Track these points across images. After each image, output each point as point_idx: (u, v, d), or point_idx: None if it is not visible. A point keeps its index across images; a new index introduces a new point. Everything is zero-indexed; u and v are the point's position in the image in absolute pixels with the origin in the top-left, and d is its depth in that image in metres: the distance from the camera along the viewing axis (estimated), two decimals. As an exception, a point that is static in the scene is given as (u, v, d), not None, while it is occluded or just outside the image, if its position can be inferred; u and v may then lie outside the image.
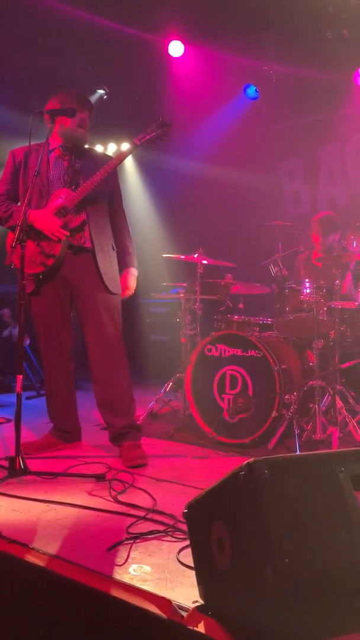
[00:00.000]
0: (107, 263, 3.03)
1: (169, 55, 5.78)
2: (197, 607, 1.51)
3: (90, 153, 3.22)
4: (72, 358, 3.20)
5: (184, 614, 1.49)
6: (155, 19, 5.44)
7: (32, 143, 2.90)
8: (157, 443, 3.38)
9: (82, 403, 3.36)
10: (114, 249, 3.11)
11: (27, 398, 4.82)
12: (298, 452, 2.94)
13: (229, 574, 1.38)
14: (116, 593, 1.59)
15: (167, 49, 5.76)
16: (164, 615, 1.48)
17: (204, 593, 1.52)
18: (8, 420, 3.85)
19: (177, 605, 1.54)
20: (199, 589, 1.54)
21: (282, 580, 1.21)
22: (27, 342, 4.97)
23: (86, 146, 3.19)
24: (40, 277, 2.97)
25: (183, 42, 5.72)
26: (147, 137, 2.87)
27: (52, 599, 1.66)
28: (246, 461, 1.33)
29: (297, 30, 5.19)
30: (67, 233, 2.92)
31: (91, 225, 2.99)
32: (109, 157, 3.22)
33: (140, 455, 2.91)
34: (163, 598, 1.55)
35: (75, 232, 2.96)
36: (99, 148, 6.87)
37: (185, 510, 1.60)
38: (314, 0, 4.92)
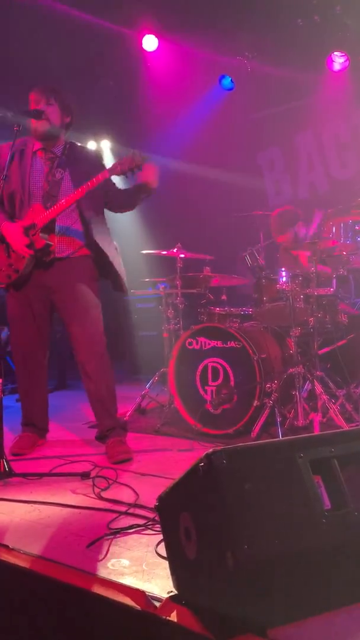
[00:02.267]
0: (115, 263, 3.10)
1: (143, 49, 5.78)
2: (171, 597, 1.55)
3: (78, 155, 3.12)
4: (44, 360, 3.24)
5: (158, 604, 1.53)
6: (129, 12, 5.43)
7: (18, 139, 2.88)
8: (143, 438, 3.41)
9: (71, 402, 3.39)
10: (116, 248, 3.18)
11: (18, 400, 4.83)
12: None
13: (196, 563, 1.42)
14: (93, 588, 1.62)
15: (142, 43, 5.75)
16: (138, 607, 1.52)
17: (176, 583, 1.56)
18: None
19: (151, 596, 1.57)
20: (172, 579, 1.58)
21: (241, 566, 1.24)
22: (15, 344, 4.98)
23: (79, 144, 3.15)
24: (5, 287, 3.04)
25: (157, 36, 5.71)
26: (119, 168, 2.81)
27: (30, 597, 1.69)
28: (205, 452, 1.36)
29: (269, 19, 5.18)
30: (32, 252, 2.94)
31: (94, 233, 3.03)
32: (97, 160, 3.18)
33: (125, 450, 2.94)
34: (137, 590, 1.58)
35: (40, 252, 2.96)
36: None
37: (157, 503, 1.64)
38: (284, -13, 4.93)
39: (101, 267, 3.10)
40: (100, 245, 3.04)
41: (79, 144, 3.21)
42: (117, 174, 2.84)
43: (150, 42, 5.77)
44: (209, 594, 1.37)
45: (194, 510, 1.42)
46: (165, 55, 5.86)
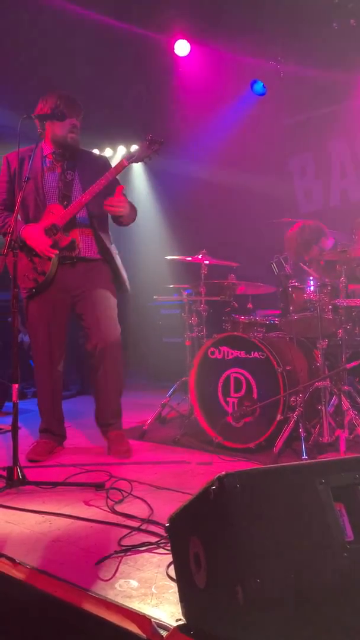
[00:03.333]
0: (120, 266, 3.18)
1: (175, 54, 5.74)
2: (179, 626, 1.45)
3: (85, 158, 3.20)
4: (60, 365, 3.24)
5: (165, 633, 1.43)
6: (161, 18, 5.41)
7: (23, 147, 2.88)
8: (162, 448, 3.33)
9: (91, 408, 3.34)
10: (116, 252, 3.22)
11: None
12: (304, 456, 2.85)
13: (206, 593, 1.32)
14: (96, 611, 1.54)
15: (173, 48, 5.71)
16: (143, 635, 1.42)
17: (185, 611, 1.46)
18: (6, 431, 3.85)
19: (158, 623, 1.48)
20: (181, 606, 1.48)
21: (253, 602, 1.13)
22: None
23: (83, 149, 3.19)
24: (33, 291, 3.06)
25: (189, 41, 5.66)
26: (136, 156, 2.90)
27: (32, 615, 1.61)
28: (217, 475, 1.26)
29: (303, 23, 5.08)
30: (56, 252, 2.99)
31: (97, 235, 3.10)
32: (105, 161, 3.22)
33: (127, 449, 3.12)
34: (144, 616, 1.49)
35: (67, 250, 3.02)
36: (108, 151, 6.86)
37: (167, 524, 1.54)
38: (318, -8, 4.83)
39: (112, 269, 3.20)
40: (107, 245, 3.14)
41: (83, 149, 3.23)
42: (134, 162, 2.95)
43: (182, 47, 5.73)
44: (218, 628, 1.27)
45: (204, 535, 1.32)
46: (197, 60, 5.82)
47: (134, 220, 3.20)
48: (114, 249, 3.20)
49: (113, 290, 3.18)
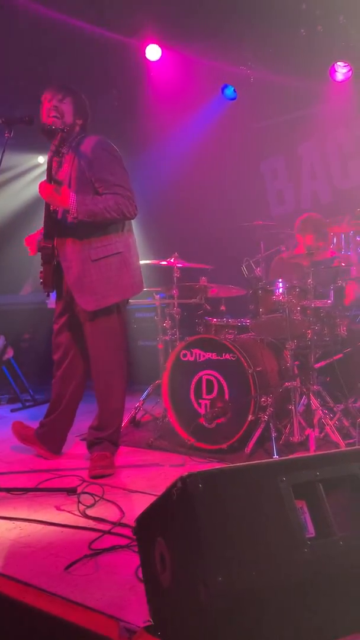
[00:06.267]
0: (80, 277, 2.84)
1: (147, 59, 5.76)
2: (146, 627, 1.46)
3: (85, 147, 2.88)
4: (78, 377, 3.09)
5: (132, 635, 1.44)
6: (132, 22, 5.42)
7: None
8: (135, 452, 3.33)
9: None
10: (92, 259, 2.83)
11: (12, 411, 4.77)
12: (275, 456, 2.88)
13: (170, 593, 1.33)
14: (64, 614, 1.54)
15: (145, 53, 5.73)
16: (111, 638, 1.43)
17: (152, 612, 1.47)
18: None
19: (126, 626, 1.49)
20: (149, 607, 1.49)
21: (214, 600, 1.15)
22: (11, 354, 4.93)
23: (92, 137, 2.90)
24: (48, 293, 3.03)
25: (160, 46, 5.69)
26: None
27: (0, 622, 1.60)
28: (180, 476, 1.28)
29: (272, 29, 5.15)
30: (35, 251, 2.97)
31: (58, 237, 2.90)
32: (93, 148, 2.87)
33: (106, 465, 2.85)
34: (111, 619, 1.50)
35: (46, 253, 2.92)
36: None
37: (134, 526, 1.55)
38: (286, -2, 4.90)
39: None
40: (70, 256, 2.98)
41: (93, 137, 2.93)
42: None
43: (153, 52, 5.74)
44: (183, 628, 1.28)
45: (168, 536, 1.34)
46: (168, 64, 5.83)
47: (107, 220, 2.81)
48: (87, 258, 2.89)
49: None
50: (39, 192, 2.80)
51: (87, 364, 3.04)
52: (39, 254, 2.98)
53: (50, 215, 2.88)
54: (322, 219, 4.05)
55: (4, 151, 2.75)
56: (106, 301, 2.85)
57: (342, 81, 5.22)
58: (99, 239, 2.85)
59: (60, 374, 3.10)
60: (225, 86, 5.84)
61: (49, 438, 3.16)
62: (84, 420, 3.31)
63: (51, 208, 2.90)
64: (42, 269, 2.98)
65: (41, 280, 3.00)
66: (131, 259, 2.96)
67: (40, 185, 2.80)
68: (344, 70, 5.16)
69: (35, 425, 3.25)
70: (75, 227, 2.82)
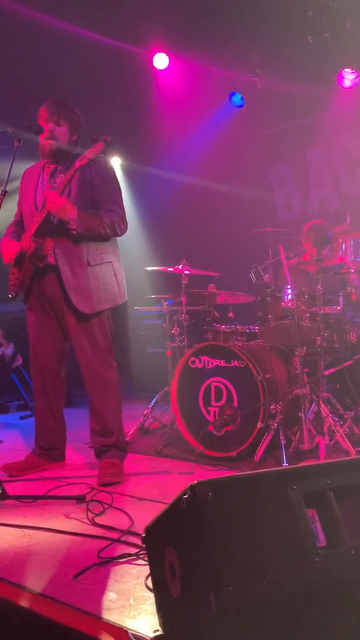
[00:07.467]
0: (78, 279, 2.89)
1: (154, 67, 5.80)
2: (156, 637, 1.45)
3: (74, 165, 2.92)
4: (61, 376, 3.15)
5: (141, 644, 1.43)
6: (140, 31, 5.46)
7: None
8: (144, 459, 3.32)
9: (76, 420, 3.32)
10: (89, 264, 2.91)
11: (22, 418, 4.79)
12: (285, 464, 2.86)
13: (181, 603, 1.32)
14: (74, 624, 1.53)
15: (152, 62, 5.77)
16: (120, 647, 1.42)
17: (162, 622, 1.46)
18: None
19: (135, 635, 1.48)
20: (158, 617, 1.48)
21: (226, 610, 1.14)
22: (20, 362, 4.94)
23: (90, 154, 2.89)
24: (14, 296, 3.02)
25: (167, 54, 5.73)
26: (86, 159, 2.79)
27: (9, 630, 1.60)
28: (189, 484, 1.27)
29: (279, 37, 5.18)
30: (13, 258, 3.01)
31: (55, 239, 2.91)
32: (99, 167, 2.97)
33: (115, 473, 2.85)
34: (120, 628, 1.49)
35: (34, 255, 2.93)
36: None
37: (144, 535, 1.55)
38: (293, 6, 4.92)
39: None
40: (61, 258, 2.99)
41: (91, 152, 2.92)
42: (85, 163, 2.80)
43: (161, 60, 5.79)
44: (193, 638, 1.27)
45: (178, 545, 1.33)
46: (175, 73, 5.88)
47: (101, 237, 2.91)
48: (83, 262, 2.93)
49: None
50: (49, 201, 2.80)
51: (64, 369, 3.14)
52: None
53: (47, 219, 2.90)
54: (326, 225, 4.05)
55: (13, 160, 2.79)
56: (100, 306, 2.96)
57: (350, 87, 5.22)
58: (96, 247, 2.96)
59: (40, 387, 3.14)
60: (233, 94, 5.87)
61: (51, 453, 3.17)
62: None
63: (54, 219, 2.91)
64: (14, 272, 3.00)
65: (12, 283, 3.02)
66: (119, 269, 3.07)
67: (53, 195, 2.80)
68: (352, 76, 5.17)
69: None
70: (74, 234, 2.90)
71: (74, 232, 2.82)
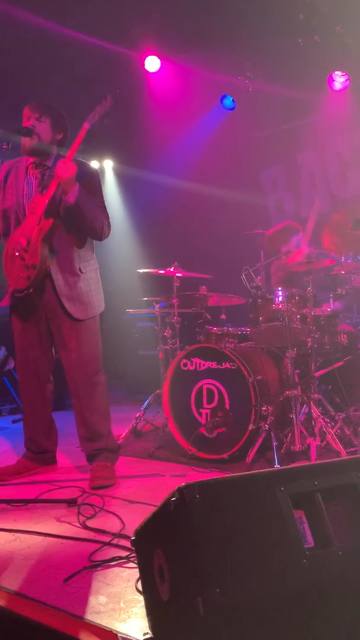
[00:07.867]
0: (70, 288, 2.91)
1: (146, 70, 5.81)
2: (145, 640, 1.45)
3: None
4: (50, 379, 3.15)
5: (131, 648, 1.43)
6: (132, 34, 5.47)
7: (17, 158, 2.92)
8: (136, 462, 3.32)
9: (65, 424, 3.31)
10: (80, 272, 2.94)
11: (14, 422, 4.77)
12: (276, 465, 2.87)
13: (169, 606, 1.32)
14: (63, 627, 1.53)
15: (144, 64, 5.78)
16: (109, 651, 1.42)
17: (151, 625, 1.46)
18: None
19: (125, 638, 1.47)
20: (148, 620, 1.48)
21: (213, 612, 1.14)
22: (12, 365, 4.93)
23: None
24: (31, 290, 2.90)
25: (159, 57, 5.74)
26: (96, 115, 2.83)
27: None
28: (177, 486, 1.27)
29: (270, 40, 5.20)
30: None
31: (56, 249, 2.90)
32: (86, 168, 3.03)
33: (106, 476, 2.85)
34: (110, 632, 1.49)
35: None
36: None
37: (133, 538, 1.54)
38: (284, 9, 4.94)
39: None
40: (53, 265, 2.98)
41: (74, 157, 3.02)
42: (95, 122, 2.84)
43: (152, 63, 5.81)
44: (182, 640, 1.27)
45: (166, 548, 1.33)
46: (167, 75, 5.89)
47: (92, 223, 2.89)
48: (75, 270, 2.95)
49: None
50: (62, 167, 2.76)
51: (52, 372, 3.14)
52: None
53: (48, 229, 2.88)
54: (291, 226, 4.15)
55: (2, 162, 2.78)
56: (93, 311, 3.00)
57: (340, 90, 5.26)
58: (84, 254, 2.99)
59: (30, 390, 3.13)
60: (224, 96, 5.89)
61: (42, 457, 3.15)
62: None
63: (56, 193, 2.84)
64: (16, 269, 2.94)
65: (22, 282, 2.92)
66: (99, 277, 3.11)
67: (66, 162, 2.78)
68: (342, 79, 5.20)
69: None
70: (64, 240, 2.91)
71: (67, 203, 2.78)
